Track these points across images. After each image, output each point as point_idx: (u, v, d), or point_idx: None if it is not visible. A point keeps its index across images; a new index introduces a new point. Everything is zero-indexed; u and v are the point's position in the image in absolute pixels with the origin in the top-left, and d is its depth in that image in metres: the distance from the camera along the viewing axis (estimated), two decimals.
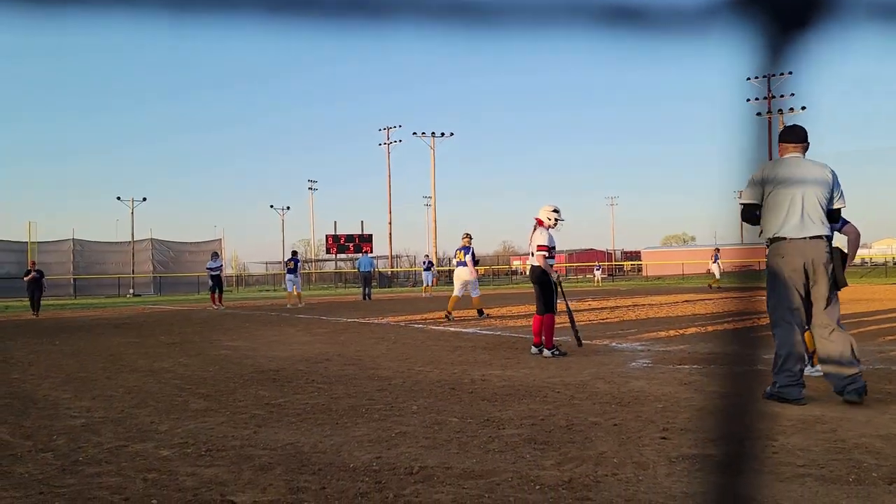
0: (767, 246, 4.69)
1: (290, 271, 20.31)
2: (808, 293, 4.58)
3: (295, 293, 20.85)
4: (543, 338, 7.38)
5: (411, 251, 70.61)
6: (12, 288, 32.24)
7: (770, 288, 4.65)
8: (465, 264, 13.25)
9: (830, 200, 4.56)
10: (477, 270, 13.45)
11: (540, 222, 7.56)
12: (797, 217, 4.52)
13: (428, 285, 28.03)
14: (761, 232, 4.72)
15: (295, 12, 0.39)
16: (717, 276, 26.98)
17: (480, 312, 13.15)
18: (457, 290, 13.23)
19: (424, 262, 29.58)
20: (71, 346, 9.76)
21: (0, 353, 9.00)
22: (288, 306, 19.79)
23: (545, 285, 7.35)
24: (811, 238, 4.51)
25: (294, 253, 21.08)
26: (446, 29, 0.40)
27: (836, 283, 4.58)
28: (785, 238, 4.55)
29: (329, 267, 56.24)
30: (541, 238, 7.41)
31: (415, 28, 0.40)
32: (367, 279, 24.55)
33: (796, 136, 4.68)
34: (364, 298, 24.04)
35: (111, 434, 4.14)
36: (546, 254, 7.35)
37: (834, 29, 0.39)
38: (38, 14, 0.40)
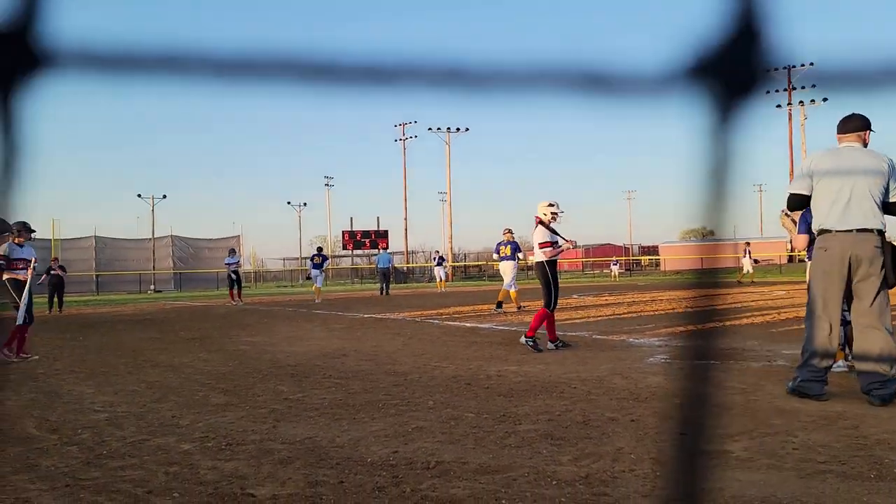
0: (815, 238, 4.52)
1: (315, 266, 20.70)
2: (850, 288, 4.37)
3: (315, 288, 21.36)
4: (547, 331, 7.58)
5: (427, 247, 70.70)
6: (36, 285, 32.84)
7: (811, 280, 4.50)
8: (510, 258, 13.61)
9: (886, 192, 4.29)
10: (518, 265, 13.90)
11: (539, 220, 7.63)
12: (841, 208, 4.32)
13: (440, 281, 28.64)
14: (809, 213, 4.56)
15: (311, 80, 0.47)
16: (748, 270, 26.84)
17: (499, 305, 13.45)
18: (506, 284, 13.69)
19: (435, 259, 30.28)
20: (94, 341, 9.89)
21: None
22: (316, 301, 20.31)
23: (547, 282, 7.46)
24: (857, 231, 4.29)
25: (320, 249, 21.47)
26: (445, 91, 0.47)
27: (887, 282, 4.30)
28: (828, 230, 4.36)
29: (346, 263, 56.62)
30: (540, 235, 7.49)
31: (418, 91, 0.47)
32: (385, 275, 24.95)
33: (851, 126, 4.47)
34: (382, 294, 24.39)
35: (134, 428, 4.21)
36: (549, 249, 7.47)
37: (772, 93, 0.46)
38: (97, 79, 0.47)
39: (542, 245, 7.48)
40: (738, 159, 0.46)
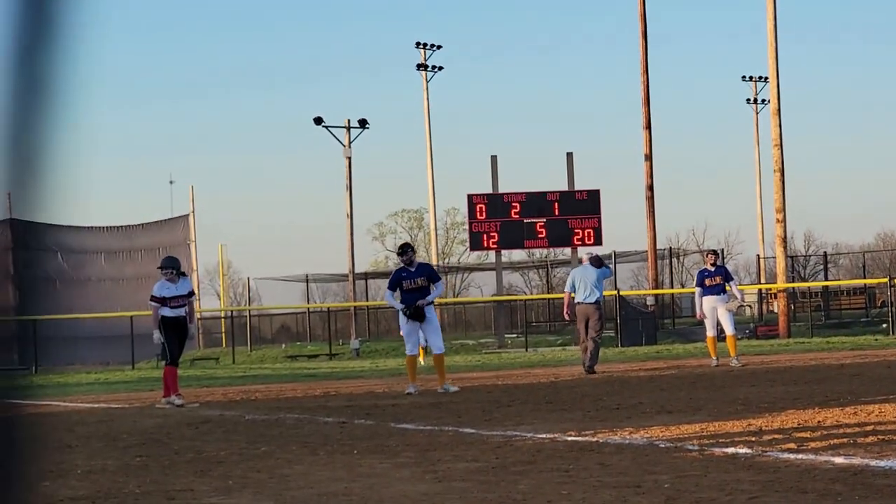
0: None
1: (409, 295, 12.89)
2: None
3: (420, 350, 15.28)
4: None
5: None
6: None
7: None
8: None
9: None
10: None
11: None
12: None
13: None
14: None
15: None
16: None
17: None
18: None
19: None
20: None
21: None
22: (409, 391, 13.21)
23: None
24: None
25: (406, 249, 13.56)
26: None
27: None
28: None
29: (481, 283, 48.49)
30: None
31: None
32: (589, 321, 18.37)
33: None
34: (587, 371, 16.34)
35: None
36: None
37: None
38: None
39: None
40: None
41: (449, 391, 12.58)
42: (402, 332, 13.28)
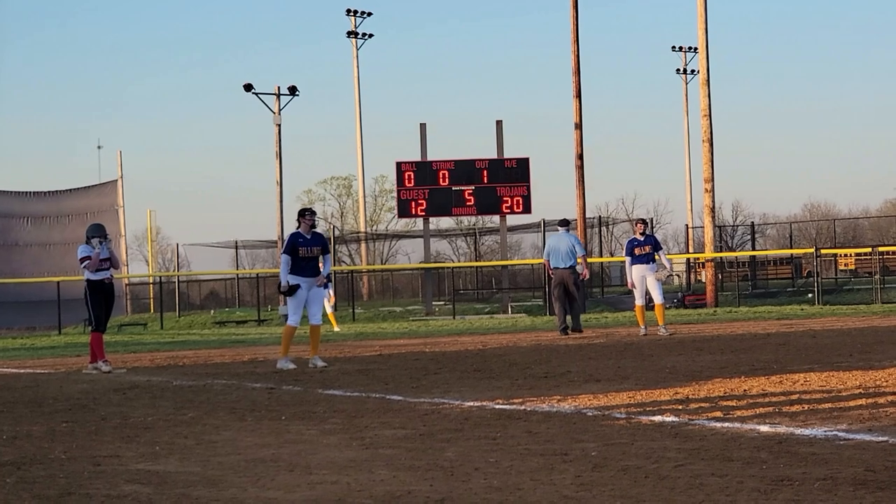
0: None
1: (304, 262, 12.32)
2: None
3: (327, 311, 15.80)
4: None
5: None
6: None
7: None
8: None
9: None
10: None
11: None
12: None
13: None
14: None
15: None
16: None
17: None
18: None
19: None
20: None
21: None
22: (287, 367, 12.24)
23: None
24: None
25: (307, 214, 12.59)
26: None
27: None
28: None
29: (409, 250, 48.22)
30: None
31: None
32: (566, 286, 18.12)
33: None
34: (575, 330, 17.85)
35: None
36: None
37: None
38: None
39: None
40: None
41: (317, 366, 12.08)
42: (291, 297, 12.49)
